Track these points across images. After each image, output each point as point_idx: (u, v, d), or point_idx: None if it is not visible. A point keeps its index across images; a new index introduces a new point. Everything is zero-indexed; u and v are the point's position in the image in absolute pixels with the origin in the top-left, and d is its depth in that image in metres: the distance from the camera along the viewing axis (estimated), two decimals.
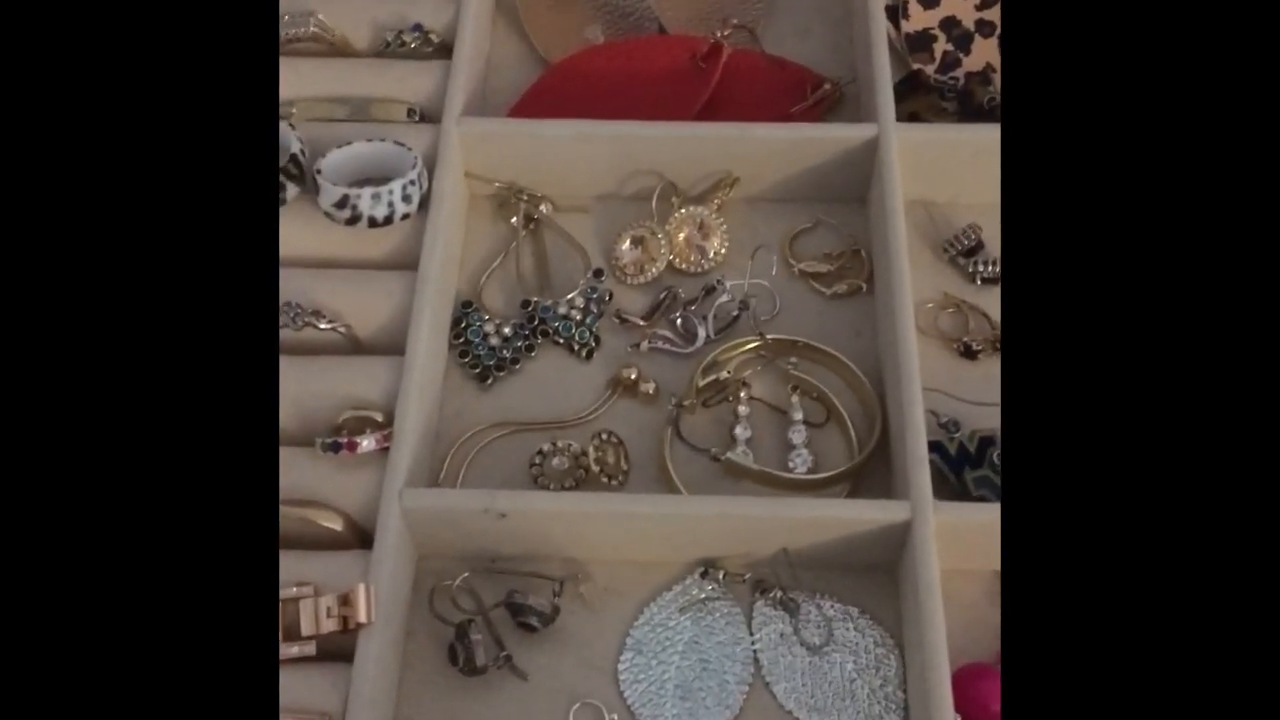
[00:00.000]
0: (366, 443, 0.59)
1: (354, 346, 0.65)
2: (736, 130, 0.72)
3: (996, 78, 0.79)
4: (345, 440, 0.59)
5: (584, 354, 0.69)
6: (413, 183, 0.67)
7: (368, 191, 0.66)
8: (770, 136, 0.72)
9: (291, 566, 0.57)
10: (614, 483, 0.64)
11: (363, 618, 0.54)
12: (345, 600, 0.55)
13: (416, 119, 0.74)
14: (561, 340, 0.69)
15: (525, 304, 0.70)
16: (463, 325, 0.70)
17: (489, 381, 0.68)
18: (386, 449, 0.60)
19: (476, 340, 0.69)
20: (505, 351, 0.69)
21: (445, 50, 0.77)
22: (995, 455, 0.62)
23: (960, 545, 0.59)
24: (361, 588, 0.55)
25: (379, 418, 0.61)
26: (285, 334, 0.63)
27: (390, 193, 0.66)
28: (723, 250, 0.72)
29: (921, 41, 0.81)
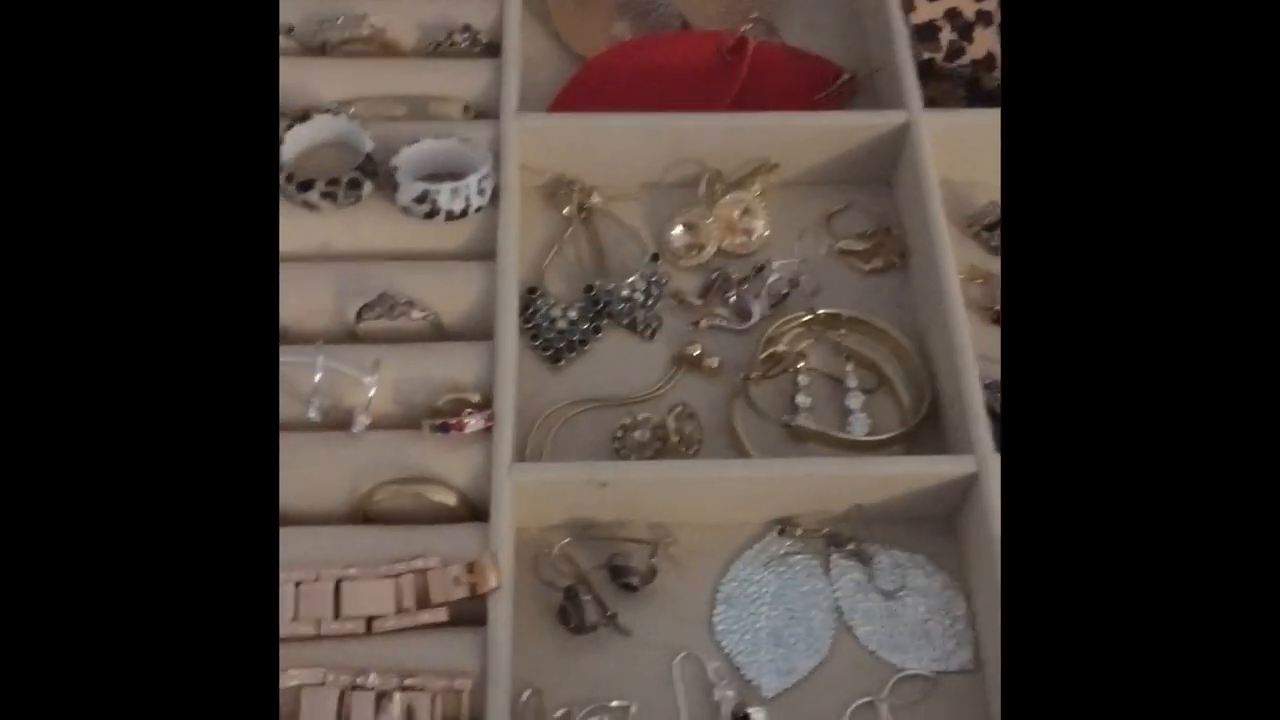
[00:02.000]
0: (474, 422, 0.63)
1: (438, 333, 0.69)
2: (777, 119, 0.77)
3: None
4: (454, 421, 0.62)
5: (648, 334, 0.74)
6: (486, 177, 0.71)
7: (446, 187, 0.69)
8: (807, 125, 0.78)
9: (413, 539, 0.61)
10: (690, 452, 0.69)
11: (493, 583, 0.58)
12: (471, 569, 0.59)
13: (472, 116, 0.77)
14: (625, 322, 0.74)
15: (588, 289, 0.74)
16: (530, 310, 0.74)
17: (561, 363, 0.73)
18: (489, 428, 0.64)
19: (545, 324, 0.73)
20: (573, 334, 0.73)
21: (489, 49, 0.81)
22: None
23: None
24: (488, 555, 0.59)
25: (475, 399, 0.65)
26: (380, 324, 0.67)
27: (467, 187, 0.70)
28: (766, 232, 0.77)
29: (928, 32, 0.87)
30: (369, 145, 0.71)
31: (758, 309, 0.74)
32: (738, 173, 0.79)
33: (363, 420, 0.63)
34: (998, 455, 0.64)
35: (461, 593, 0.59)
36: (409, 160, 0.71)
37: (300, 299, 0.68)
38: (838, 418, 0.71)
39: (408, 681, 0.56)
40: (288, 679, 0.56)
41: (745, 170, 0.79)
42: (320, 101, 0.76)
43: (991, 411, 0.69)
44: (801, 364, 0.72)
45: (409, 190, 0.70)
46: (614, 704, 0.61)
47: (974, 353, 0.68)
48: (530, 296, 0.74)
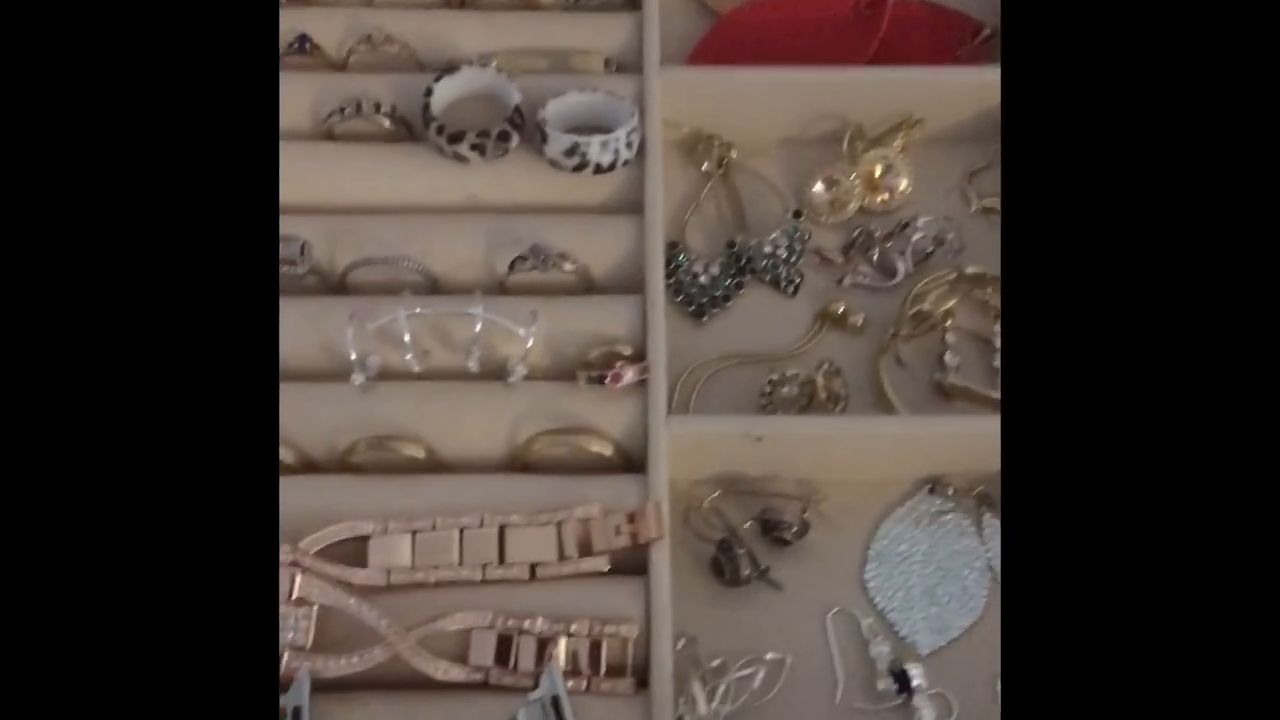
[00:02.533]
0: (630, 374, 0.63)
1: (586, 286, 0.69)
2: (921, 74, 0.76)
3: None
4: (610, 373, 0.63)
5: (790, 290, 0.74)
6: (634, 130, 0.70)
7: (597, 139, 0.69)
8: (951, 80, 0.76)
9: (570, 489, 0.61)
10: (838, 409, 0.68)
11: (654, 533, 0.59)
12: (632, 518, 0.59)
13: (613, 69, 0.77)
14: (768, 278, 0.74)
15: (730, 244, 0.74)
16: (672, 265, 0.73)
17: (704, 319, 0.73)
18: (643, 381, 0.64)
19: (686, 280, 0.73)
20: (715, 290, 0.73)
21: (629, 2, 0.80)
22: None
23: None
24: (652, 505, 0.59)
25: (627, 352, 0.65)
26: (531, 276, 0.67)
27: (617, 140, 0.70)
28: (909, 189, 0.77)
29: None
30: (517, 97, 0.71)
31: (902, 267, 0.74)
32: (879, 128, 0.78)
33: (520, 371, 0.64)
34: None
35: (623, 542, 0.59)
36: (556, 113, 0.71)
37: (451, 250, 0.69)
38: (986, 377, 0.70)
39: (573, 627, 0.57)
40: (452, 622, 0.57)
41: (886, 126, 0.78)
42: (461, 55, 0.77)
43: None
44: (949, 322, 0.71)
45: (559, 142, 0.70)
46: (769, 656, 0.61)
47: None
48: (672, 252, 0.74)
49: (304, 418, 0.63)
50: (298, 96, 0.75)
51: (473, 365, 0.64)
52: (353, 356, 0.63)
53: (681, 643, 0.61)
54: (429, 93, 0.72)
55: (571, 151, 0.70)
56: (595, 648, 0.57)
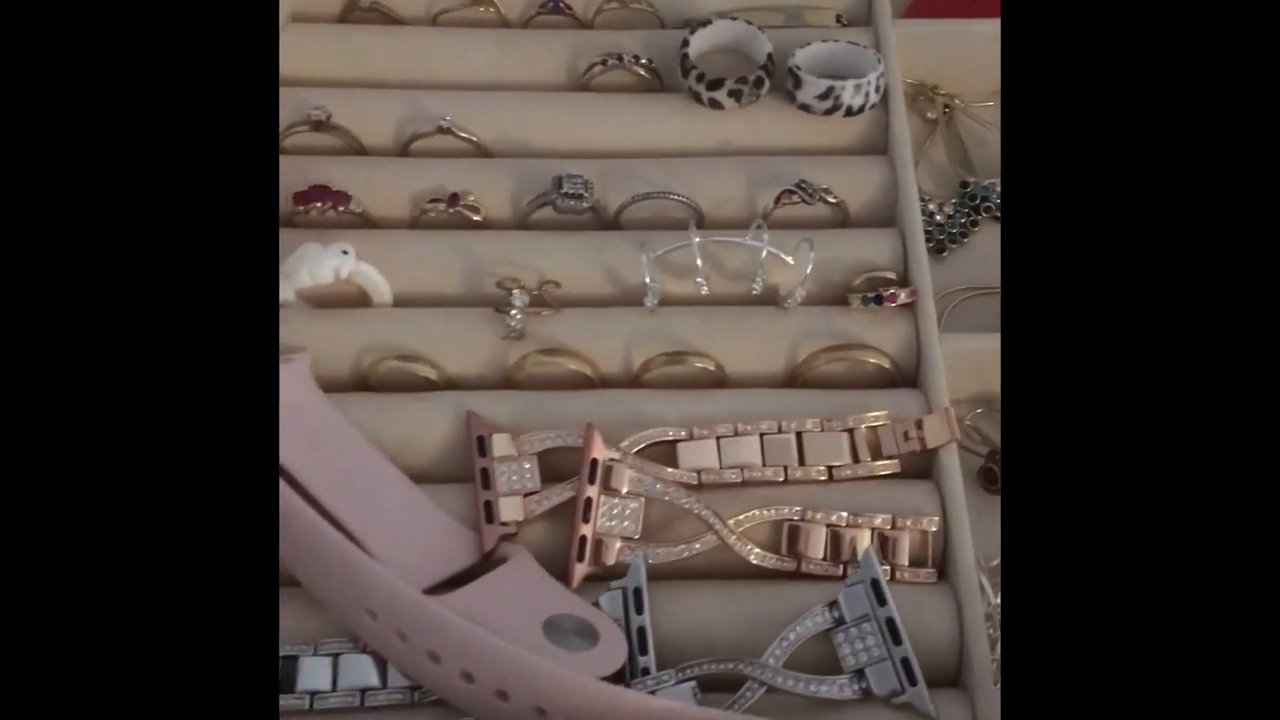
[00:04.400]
0: (902, 295, 0.67)
1: (842, 220, 0.73)
2: None
3: None
4: (887, 294, 0.67)
5: None
6: (881, 75, 0.75)
7: (850, 82, 0.74)
8: None
9: (853, 401, 0.65)
10: None
11: (948, 435, 0.63)
12: (919, 424, 0.64)
13: (845, 23, 0.82)
14: (1000, 216, 0.78)
15: (963, 185, 0.79)
16: None
17: (944, 254, 0.77)
18: (911, 304, 0.68)
19: (924, 218, 0.78)
20: (952, 227, 0.78)
21: None
22: None
23: None
24: (941, 410, 0.63)
25: (892, 276, 0.70)
26: (789, 212, 0.71)
27: (868, 83, 0.74)
28: None
29: None
30: (768, 47, 0.76)
31: None
32: None
33: (800, 294, 0.68)
34: None
35: (913, 446, 0.63)
36: (805, 60, 0.76)
37: (713, 189, 0.74)
38: None
39: (877, 520, 0.61)
40: (765, 514, 0.61)
41: None
42: (698, 13, 0.81)
43: None
44: None
45: (813, 87, 0.74)
46: None
47: None
48: None
49: (597, 337, 0.68)
50: (554, 52, 0.80)
51: (757, 289, 0.68)
52: (647, 280, 0.68)
53: None
54: (686, 44, 0.77)
55: (825, 95, 0.74)
56: (896, 540, 0.61)
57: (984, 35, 0.81)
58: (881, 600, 0.57)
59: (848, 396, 0.66)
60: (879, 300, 0.67)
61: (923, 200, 0.78)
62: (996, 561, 0.65)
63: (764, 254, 0.67)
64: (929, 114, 0.82)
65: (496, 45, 0.80)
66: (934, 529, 0.61)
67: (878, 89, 0.75)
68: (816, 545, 0.61)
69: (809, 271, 0.68)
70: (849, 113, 0.75)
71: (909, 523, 0.61)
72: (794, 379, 0.68)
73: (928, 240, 0.77)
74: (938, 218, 0.78)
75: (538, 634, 0.54)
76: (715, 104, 0.76)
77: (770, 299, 0.70)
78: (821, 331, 0.68)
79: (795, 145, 0.76)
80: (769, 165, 0.75)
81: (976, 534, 0.65)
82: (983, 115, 0.83)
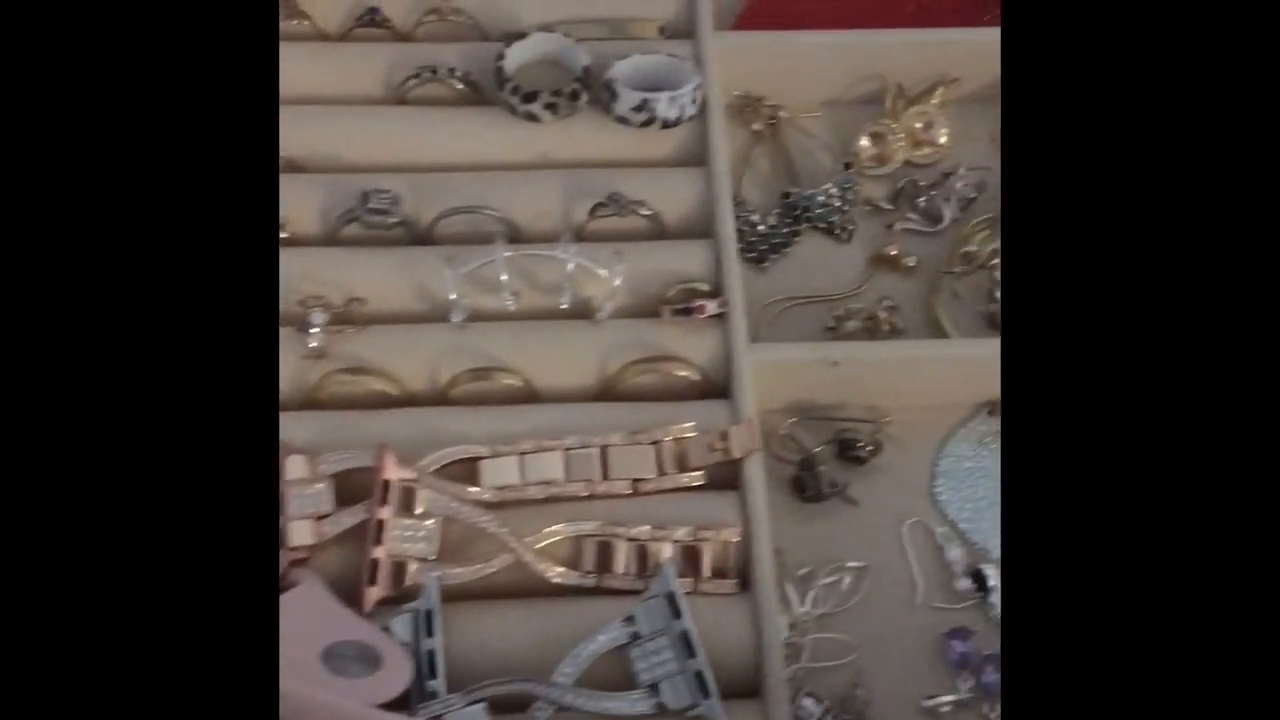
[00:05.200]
0: (711, 306, 0.67)
1: (659, 232, 0.73)
2: (962, 35, 0.82)
3: None
4: (694, 305, 0.67)
5: (845, 236, 0.78)
6: (698, 87, 0.75)
7: (665, 95, 0.74)
8: (987, 40, 0.81)
9: (662, 413, 0.65)
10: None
11: (751, 445, 0.63)
12: (723, 436, 0.63)
13: (666, 36, 0.82)
14: (823, 225, 0.78)
15: (785, 195, 0.79)
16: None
17: (765, 264, 0.77)
18: (722, 314, 0.68)
19: (746, 229, 0.77)
20: (774, 238, 0.78)
21: None
22: None
23: None
24: (746, 421, 0.63)
25: (705, 288, 0.69)
26: (609, 223, 0.71)
27: (683, 95, 0.74)
28: (948, 143, 0.81)
29: None
30: (585, 60, 0.76)
31: (948, 212, 0.78)
32: (917, 88, 0.83)
33: (608, 308, 0.68)
34: None
35: (718, 457, 0.63)
36: (623, 73, 0.76)
37: (529, 203, 0.73)
38: None
39: (677, 533, 0.60)
40: (563, 530, 0.60)
41: (924, 85, 0.83)
42: (522, 26, 0.81)
43: None
44: (994, 260, 0.76)
45: (628, 99, 0.74)
46: (850, 564, 0.65)
47: None
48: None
49: (403, 354, 0.67)
50: (371, 65, 0.79)
51: (564, 303, 0.67)
52: (452, 296, 0.67)
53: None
54: (501, 56, 0.76)
55: (640, 108, 0.74)
56: (698, 552, 0.60)
57: (811, 46, 0.82)
58: (677, 613, 0.57)
59: (659, 409, 0.66)
60: (687, 312, 0.67)
61: (745, 211, 0.78)
62: (805, 570, 0.65)
63: (570, 267, 0.67)
64: (754, 125, 0.83)
65: (311, 59, 0.79)
66: (735, 539, 0.61)
67: (694, 100, 0.75)
68: (619, 560, 0.60)
69: (618, 284, 0.68)
70: (665, 125, 0.75)
71: (711, 534, 0.61)
72: (605, 392, 0.68)
73: (750, 251, 0.77)
74: (760, 228, 0.78)
75: (315, 662, 0.53)
76: (531, 117, 0.75)
77: (584, 313, 0.69)
78: (632, 344, 0.68)
79: (614, 158, 0.76)
80: (587, 178, 0.74)
81: (788, 542, 0.66)
82: (808, 126, 0.83)
